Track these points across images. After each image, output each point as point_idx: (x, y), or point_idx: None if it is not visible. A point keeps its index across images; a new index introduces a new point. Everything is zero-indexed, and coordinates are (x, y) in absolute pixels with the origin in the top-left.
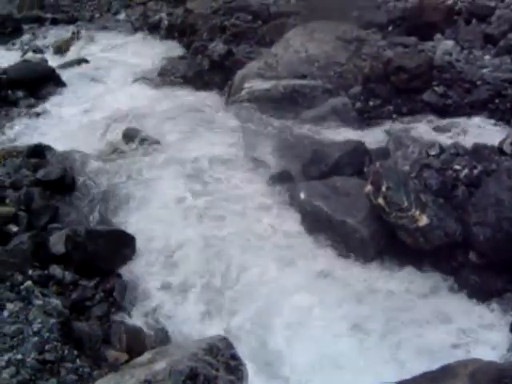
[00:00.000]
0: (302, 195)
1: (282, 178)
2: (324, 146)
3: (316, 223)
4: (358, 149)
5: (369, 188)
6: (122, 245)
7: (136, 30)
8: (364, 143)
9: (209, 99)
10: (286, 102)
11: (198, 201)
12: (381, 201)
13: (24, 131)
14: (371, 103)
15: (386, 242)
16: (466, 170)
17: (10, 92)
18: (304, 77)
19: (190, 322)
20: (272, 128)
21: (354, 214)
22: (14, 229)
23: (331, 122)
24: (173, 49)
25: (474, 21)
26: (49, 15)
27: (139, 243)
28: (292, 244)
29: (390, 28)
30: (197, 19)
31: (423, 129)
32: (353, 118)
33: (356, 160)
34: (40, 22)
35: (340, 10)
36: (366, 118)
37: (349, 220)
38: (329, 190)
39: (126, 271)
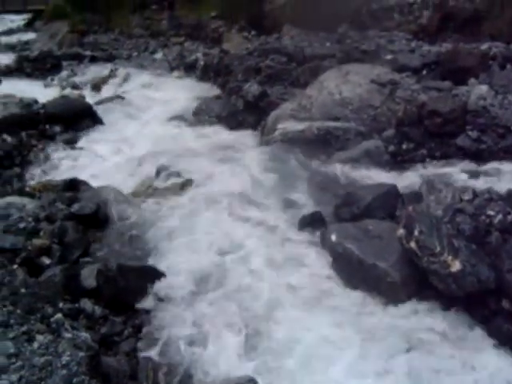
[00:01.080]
0: (334, 237)
1: (313, 220)
2: (356, 189)
3: (347, 266)
4: (391, 192)
5: (401, 232)
6: (153, 280)
7: (172, 69)
8: (397, 186)
9: (242, 139)
10: (319, 144)
11: (228, 238)
12: (413, 245)
13: (60, 165)
14: (404, 146)
15: (417, 286)
16: (499, 216)
17: (47, 127)
18: (337, 119)
19: (217, 362)
20: (304, 169)
21: (386, 257)
22: (47, 261)
23: (364, 165)
24: (208, 89)
25: (508, 66)
26: (88, 53)
27: (169, 278)
28: (322, 287)
29: (425, 72)
30: (232, 60)
31: (456, 173)
32: (386, 161)
33: (388, 203)
34: (79, 58)
35: (374, 53)
36: (399, 162)
37: (380, 263)
38: (361, 232)
39: (154, 307)
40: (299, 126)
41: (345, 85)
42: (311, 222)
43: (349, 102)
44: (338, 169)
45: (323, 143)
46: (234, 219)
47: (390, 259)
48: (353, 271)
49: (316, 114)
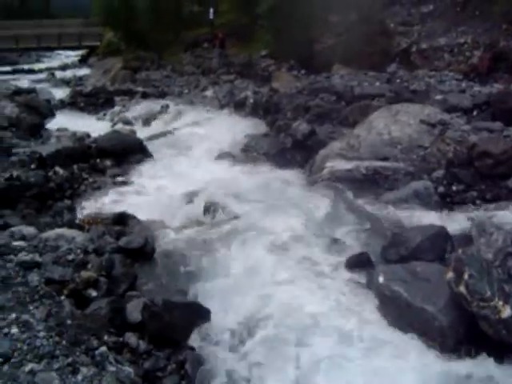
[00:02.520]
0: (381, 279)
1: (360, 260)
2: (404, 230)
3: (394, 308)
4: (440, 234)
5: (450, 275)
6: (197, 317)
7: (222, 106)
8: (446, 228)
9: (290, 177)
10: (368, 184)
11: (275, 277)
12: (462, 289)
13: (109, 199)
14: (454, 188)
15: (466, 331)
16: None
17: (98, 160)
18: (386, 159)
19: None
20: (352, 209)
21: (434, 301)
22: (94, 293)
23: (413, 205)
24: (257, 126)
25: None
26: (140, 89)
27: (214, 316)
28: (368, 329)
29: (475, 112)
30: (281, 98)
31: (508, 216)
32: (435, 202)
33: (437, 245)
34: (131, 94)
35: (424, 93)
36: (448, 203)
37: (428, 307)
38: (408, 274)
39: (198, 344)
40: (347, 166)
41: (394, 124)
42: (358, 263)
43: (398, 142)
44: (386, 209)
45: (371, 183)
46: (280, 257)
47: (438, 303)
48: (400, 314)
49: (364, 154)
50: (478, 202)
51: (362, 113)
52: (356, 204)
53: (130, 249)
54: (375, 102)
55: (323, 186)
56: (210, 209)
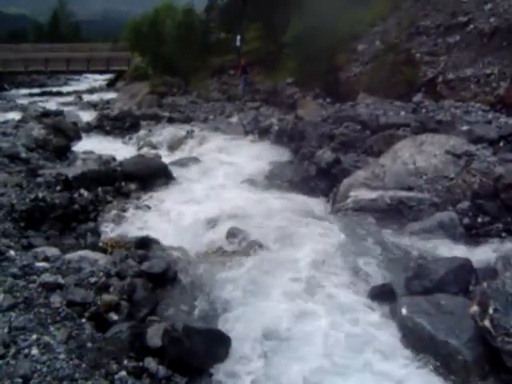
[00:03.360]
0: (404, 311)
1: (383, 291)
2: (428, 261)
3: (417, 341)
4: (465, 266)
5: (474, 309)
6: (217, 344)
7: (247, 133)
8: (471, 261)
9: (313, 205)
10: (392, 213)
11: (296, 306)
12: (487, 323)
13: (133, 222)
14: (479, 220)
15: (490, 366)
16: None
17: (123, 184)
18: (411, 189)
19: None
20: (376, 238)
21: (458, 334)
22: (115, 317)
23: (437, 237)
24: (281, 153)
25: None
26: (166, 114)
27: (235, 344)
28: (390, 361)
29: (501, 144)
30: (306, 126)
31: None
32: (460, 233)
33: (462, 278)
34: (157, 119)
35: (450, 124)
36: (473, 235)
37: (452, 341)
38: (432, 307)
39: (218, 371)
40: (372, 195)
41: (419, 155)
42: (381, 294)
43: (423, 172)
44: (410, 240)
45: (396, 213)
46: (302, 286)
47: (462, 337)
48: (423, 347)
49: (389, 183)
50: (503, 234)
51: (387, 142)
52: (380, 234)
53: (152, 273)
54: (400, 132)
55: (347, 214)
56: (232, 235)
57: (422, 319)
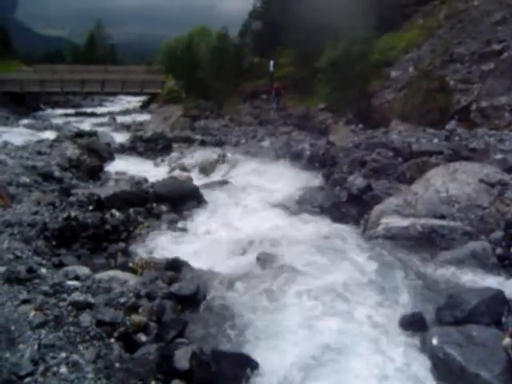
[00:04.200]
0: (435, 341)
1: (413, 320)
2: (460, 291)
3: (447, 372)
4: (497, 297)
5: (507, 341)
6: (246, 369)
7: (278, 157)
8: (503, 292)
9: (344, 232)
10: (423, 242)
11: (326, 333)
12: None
13: (164, 244)
14: None
15: None
16: None
17: (154, 205)
18: (443, 217)
19: None
20: (407, 267)
21: (490, 367)
22: (143, 338)
23: (469, 267)
24: (312, 178)
25: None
26: (198, 137)
27: (263, 368)
28: None
29: None
30: (338, 152)
31: None
32: (492, 263)
33: (494, 309)
34: (189, 142)
35: (483, 152)
36: (506, 265)
37: (483, 373)
38: (463, 338)
39: None
40: (403, 223)
41: (452, 183)
42: (412, 323)
43: (455, 201)
44: (442, 269)
45: (427, 241)
46: (331, 313)
47: (494, 369)
48: (454, 379)
49: (421, 211)
50: None
51: (420, 169)
52: (411, 262)
53: (182, 295)
54: (433, 160)
55: (378, 242)
56: (262, 260)
57: (453, 350)
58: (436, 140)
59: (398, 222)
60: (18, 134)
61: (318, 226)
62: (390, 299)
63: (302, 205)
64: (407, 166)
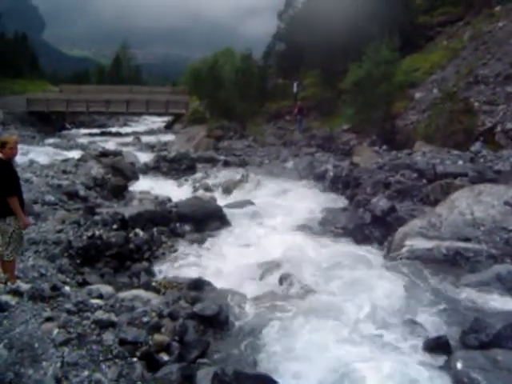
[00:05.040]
0: (459, 365)
1: (438, 343)
2: (485, 315)
3: None
4: None
5: None
6: None
7: (302, 178)
8: None
9: (368, 253)
10: (448, 264)
11: (348, 356)
12: None
13: (186, 264)
14: None
15: None
16: None
17: (178, 225)
18: (468, 240)
19: None
20: (431, 289)
21: None
22: (165, 358)
23: (494, 290)
24: (335, 200)
25: None
26: (222, 157)
27: None
28: None
29: None
30: (361, 173)
31: None
32: None
33: None
34: (213, 162)
35: (509, 174)
36: None
37: None
38: (489, 362)
39: None
40: (428, 245)
41: (477, 205)
42: (436, 346)
43: (480, 223)
44: (467, 292)
45: (452, 264)
46: (353, 336)
47: None
48: None
49: (445, 233)
50: None
51: (444, 191)
52: (435, 285)
53: (204, 316)
54: (458, 181)
55: (402, 264)
56: (285, 281)
57: (478, 374)
58: (460, 162)
59: (422, 244)
60: (44, 153)
61: (341, 248)
62: (414, 322)
63: (325, 226)
64: (431, 187)
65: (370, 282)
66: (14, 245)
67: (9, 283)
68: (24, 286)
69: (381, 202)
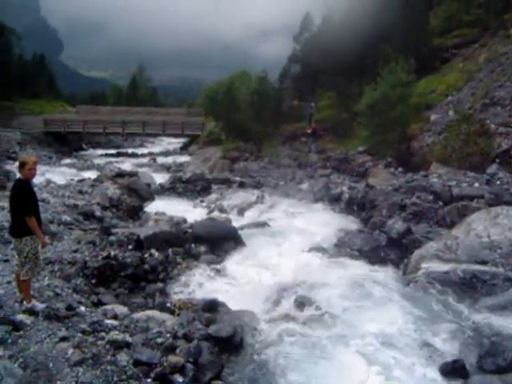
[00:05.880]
0: None
1: (454, 367)
2: (503, 339)
3: None
4: None
5: None
6: None
7: (317, 200)
8: None
9: (384, 275)
10: (464, 287)
11: (363, 379)
12: None
13: (201, 285)
14: None
15: None
16: None
17: (193, 246)
18: (485, 263)
19: None
20: (448, 312)
21: None
22: (180, 379)
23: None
24: (351, 221)
25: None
26: (237, 178)
27: None
28: None
29: None
30: (377, 195)
31: None
32: None
33: None
34: (228, 183)
35: None
36: None
37: None
38: None
39: None
40: (444, 268)
41: (494, 228)
42: (453, 370)
43: (497, 246)
44: (484, 315)
45: (469, 287)
46: (369, 359)
47: None
48: None
49: (462, 256)
50: None
51: (460, 214)
52: (452, 308)
53: (219, 337)
54: (474, 204)
55: (418, 286)
56: (300, 303)
57: None
58: (477, 184)
59: (438, 266)
60: (61, 173)
61: (356, 270)
62: (430, 345)
63: (340, 248)
64: (447, 209)
65: (385, 305)
66: (30, 264)
67: (24, 302)
68: (39, 306)
69: (396, 225)
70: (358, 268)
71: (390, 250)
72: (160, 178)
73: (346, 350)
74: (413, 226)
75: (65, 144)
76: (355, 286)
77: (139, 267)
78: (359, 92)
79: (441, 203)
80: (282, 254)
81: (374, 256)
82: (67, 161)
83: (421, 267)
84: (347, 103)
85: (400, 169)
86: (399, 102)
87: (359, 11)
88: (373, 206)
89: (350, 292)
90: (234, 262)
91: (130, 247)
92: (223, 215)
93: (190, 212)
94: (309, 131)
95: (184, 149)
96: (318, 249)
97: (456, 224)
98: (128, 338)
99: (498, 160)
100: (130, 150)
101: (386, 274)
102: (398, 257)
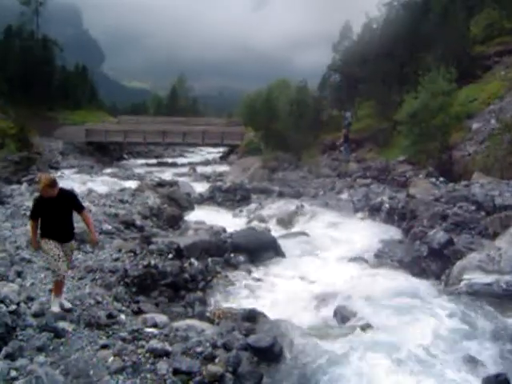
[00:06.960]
0: None
1: (498, 381)
2: None
3: None
4: None
5: None
6: None
7: (356, 210)
8: None
9: (425, 287)
10: (507, 299)
11: None
12: None
13: (240, 294)
14: None
15: None
16: None
17: (232, 255)
18: None
19: None
20: (490, 325)
21: None
22: None
23: None
24: (391, 232)
25: None
26: (276, 188)
27: None
28: None
29: None
30: (418, 205)
31: None
32: None
33: None
34: (267, 193)
35: None
36: None
37: None
38: None
39: None
40: (486, 279)
41: None
42: None
43: None
44: None
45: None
46: (410, 371)
47: None
48: None
49: (505, 268)
50: None
51: (503, 224)
52: (495, 320)
53: (259, 347)
54: None
55: (460, 298)
56: (340, 314)
57: None
58: None
59: (480, 278)
60: (102, 183)
61: (397, 281)
62: (472, 358)
63: (380, 258)
64: (490, 220)
65: (426, 317)
66: (51, 267)
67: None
68: (66, 304)
69: (438, 235)
70: (399, 279)
71: (431, 260)
72: (200, 188)
73: (386, 360)
74: (454, 236)
75: (106, 154)
76: (396, 296)
77: (179, 276)
78: (399, 101)
79: (483, 213)
80: (322, 263)
81: (414, 267)
82: (108, 170)
83: (463, 278)
84: (387, 112)
85: (441, 178)
86: (440, 111)
87: (399, 19)
88: (414, 216)
89: (389, 303)
90: (273, 272)
91: (170, 256)
92: (262, 225)
93: (230, 221)
94: (342, 138)
95: (223, 158)
96: (357, 259)
97: (499, 235)
98: (168, 347)
99: None
100: (169, 160)
101: (426, 284)
102: (440, 268)
